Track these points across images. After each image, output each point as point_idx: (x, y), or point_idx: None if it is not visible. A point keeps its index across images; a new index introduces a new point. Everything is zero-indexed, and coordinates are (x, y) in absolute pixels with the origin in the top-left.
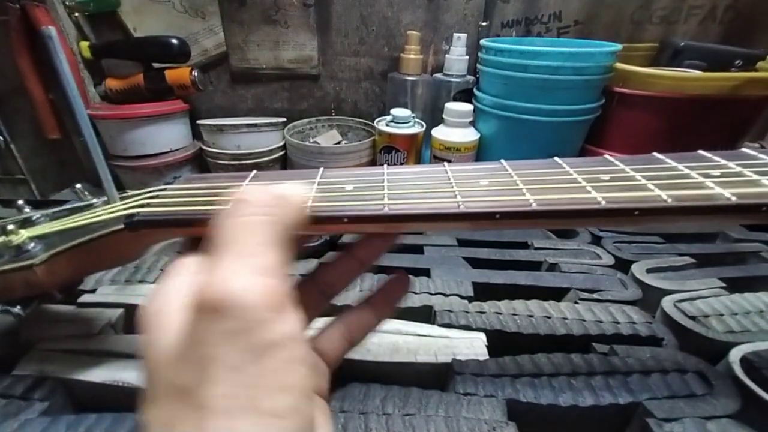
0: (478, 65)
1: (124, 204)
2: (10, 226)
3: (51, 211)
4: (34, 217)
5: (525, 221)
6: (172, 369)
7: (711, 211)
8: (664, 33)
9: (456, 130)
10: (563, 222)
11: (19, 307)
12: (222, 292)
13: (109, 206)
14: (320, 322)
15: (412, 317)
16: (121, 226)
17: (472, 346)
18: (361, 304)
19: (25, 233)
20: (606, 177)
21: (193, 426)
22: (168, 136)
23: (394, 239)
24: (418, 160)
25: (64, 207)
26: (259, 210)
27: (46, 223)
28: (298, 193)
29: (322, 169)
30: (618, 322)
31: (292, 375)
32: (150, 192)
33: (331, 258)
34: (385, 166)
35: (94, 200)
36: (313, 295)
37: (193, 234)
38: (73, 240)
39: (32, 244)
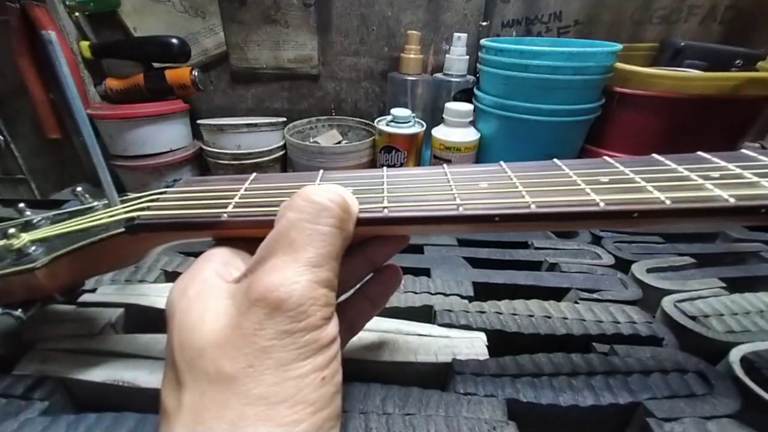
0: (478, 65)
1: (124, 207)
2: (11, 230)
3: (52, 214)
4: (35, 221)
5: (524, 224)
6: (220, 355)
7: (710, 214)
8: (665, 33)
9: (456, 130)
10: (562, 224)
11: (20, 310)
12: (286, 293)
13: (109, 209)
14: None
15: (412, 317)
16: (122, 229)
17: (473, 345)
18: (356, 293)
19: (26, 236)
20: (605, 179)
21: (236, 413)
22: (168, 136)
23: (407, 240)
24: (419, 160)
25: (65, 210)
26: (333, 221)
27: (47, 227)
28: (356, 204)
29: (321, 171)
30: (618, 322)
31: (331, 370)
32: (150, 195)
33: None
34: (385, 168)
35: (95, 203)
36: None
37: (193, 237)
38: (74, 243)
39: (33, 248)
